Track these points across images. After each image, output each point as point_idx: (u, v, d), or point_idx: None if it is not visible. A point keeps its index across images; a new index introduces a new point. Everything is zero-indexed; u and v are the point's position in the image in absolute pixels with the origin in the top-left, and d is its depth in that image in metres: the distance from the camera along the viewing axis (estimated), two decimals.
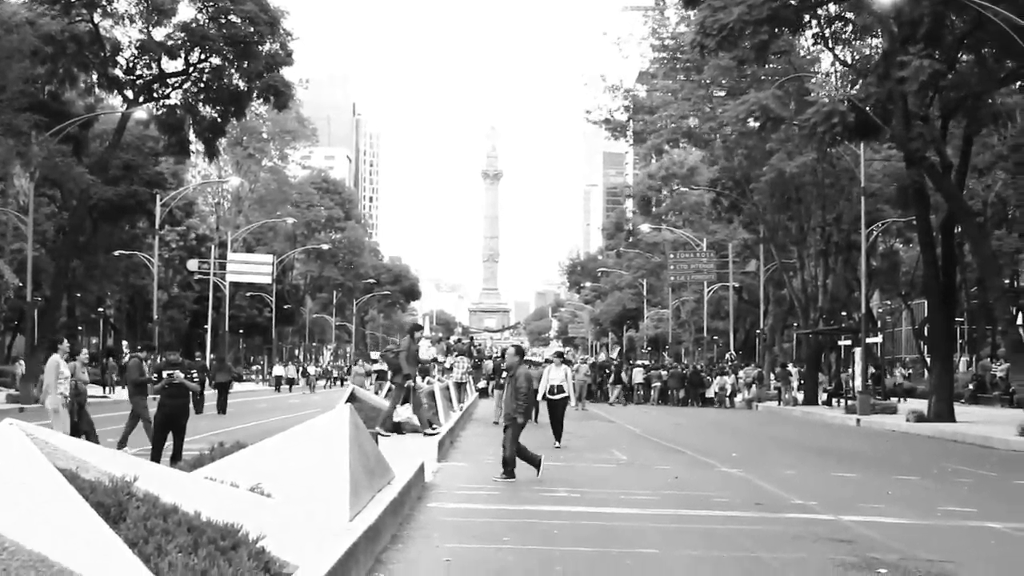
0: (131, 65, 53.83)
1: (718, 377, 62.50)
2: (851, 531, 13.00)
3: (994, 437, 29.97)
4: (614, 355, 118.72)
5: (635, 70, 76.08)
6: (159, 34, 52.89)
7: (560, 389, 26.06)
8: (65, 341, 21.50)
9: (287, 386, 78.11)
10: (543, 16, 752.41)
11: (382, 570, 9.94)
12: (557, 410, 26.17)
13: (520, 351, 20.13)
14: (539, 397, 26.85)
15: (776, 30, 36.60)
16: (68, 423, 19.52)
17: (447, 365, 44.43)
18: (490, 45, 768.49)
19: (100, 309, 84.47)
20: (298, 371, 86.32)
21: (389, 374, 29.03)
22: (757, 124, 43.17)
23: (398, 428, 23.71)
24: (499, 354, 53.54)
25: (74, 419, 20.04)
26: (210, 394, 40.60)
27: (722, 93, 55.05)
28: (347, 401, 21.96)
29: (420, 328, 28.20)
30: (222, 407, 40.39)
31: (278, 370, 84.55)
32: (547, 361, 31.49)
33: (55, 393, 19.47)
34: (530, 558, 10.85)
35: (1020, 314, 61.99)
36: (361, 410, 17.79)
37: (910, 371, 69.63)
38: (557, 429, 25.92)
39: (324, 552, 7.98)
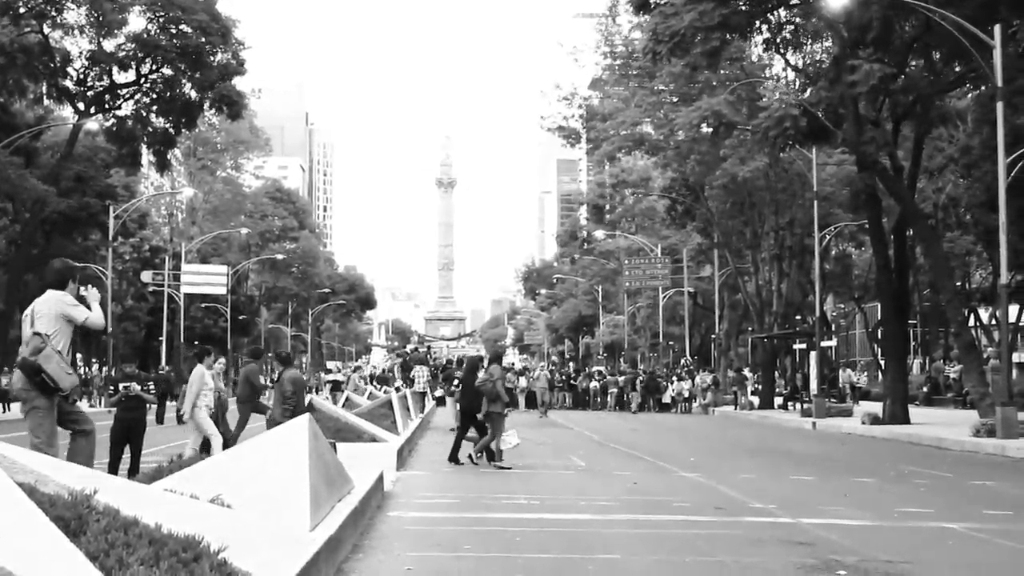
0: (82, 76, 53.42)
1: (675, 382, 62.65)
2: (810, 534, 13.06)
3: (948, 438, 30.20)
4: (549, 362, 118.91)
5: (589, 77, 76.26)
6: (110, 45, 52.56)
7: None
8: (212, 353, 21.24)
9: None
10: (497, 24, 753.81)
11: None
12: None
13: (279, 356, 19.70)
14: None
15: (727, 36, 36.73)
16: (210, 430, 19.08)
17: (411, 375, 44.51)
18: (444, 53, 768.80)
19: None
20: (267, 380, 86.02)
21: (449, 398, 27.85)
22: (710, 130, 43.42)
23: (499, 456, 22.95)
24: (455, 362, 53.61)
25: (220, 428, 19.74)
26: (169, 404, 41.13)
27: (675, 99, 55.24)
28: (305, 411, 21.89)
29: (501, 355, 27.36)
30: (181, 418, 40.81)
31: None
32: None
33: (200, 404, 19.12)
34: (491, 566, 10.85)
35: (972, 316, 62.51)
36: (319, 420, 17.75)
37: (865, 373, 70.09)
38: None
39: (286, 562, 7.94)
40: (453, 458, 23.14)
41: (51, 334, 11.74)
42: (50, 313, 11.72)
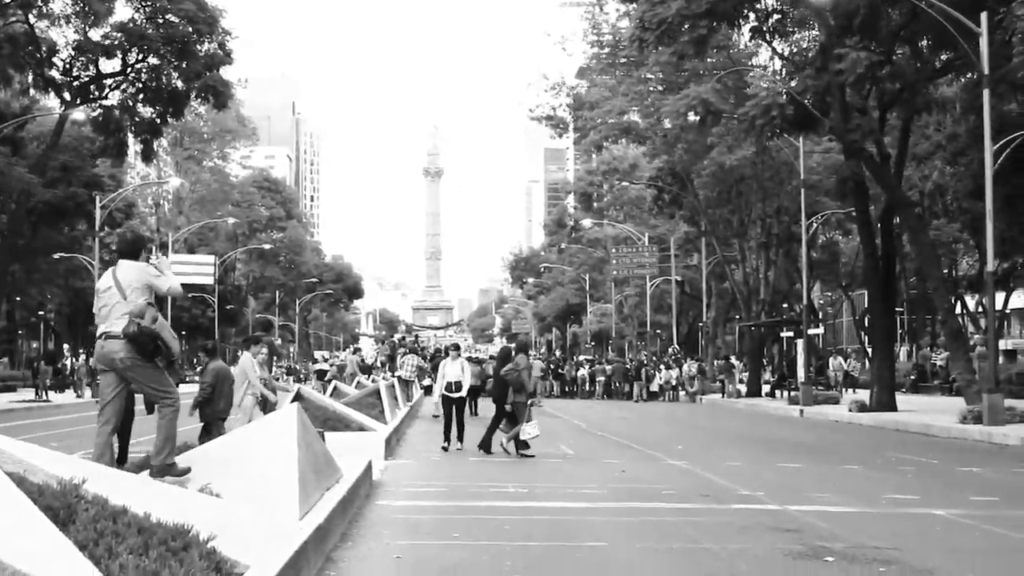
0: (68, 66, 53.14)
1: (663, 371, 62.67)
2: (798, 520, 13.10)
3: (935, 425, 30.30)
4: (537, 350, 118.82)
5: (576, 66, 76.12)
6: (96, 34, 52.30)
7: (458, 386, 24.51)
8: (260, 341, 21.16)
9: None
10: (484, 13, 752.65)
11: (333, 568, 9.91)
12: (453, 408, 24.59)
13: (204, 348, 19.66)
14: (435, 395, 26.42)
15: (714, 24, 36.74)
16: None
17: (399, 363, 44.49)
18: (431, 43, 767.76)
19: (40, 313, 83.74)
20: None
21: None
22: (697, 118, 43.39)
23: (524, 445, 22.99)
24: (443, 352, 53.52)
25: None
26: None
27: (662, 88, 55.18)
28: (293, 400, 21.89)
29: (527, 346, 27.27)
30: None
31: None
32: (445, 352, 30.08)
33: (247, 392, 19.04)
34: (480, 553, 10.85)
35: (959, 303, 62.61)
36: (308, 409, 17.74)
37: (850, 360, 70.24)
38: (458, 430, 24.39)
39: (275, 551, 7.95)
40: (484, 446, 23.12)
41: None
42: (138, 283, 11.76)
